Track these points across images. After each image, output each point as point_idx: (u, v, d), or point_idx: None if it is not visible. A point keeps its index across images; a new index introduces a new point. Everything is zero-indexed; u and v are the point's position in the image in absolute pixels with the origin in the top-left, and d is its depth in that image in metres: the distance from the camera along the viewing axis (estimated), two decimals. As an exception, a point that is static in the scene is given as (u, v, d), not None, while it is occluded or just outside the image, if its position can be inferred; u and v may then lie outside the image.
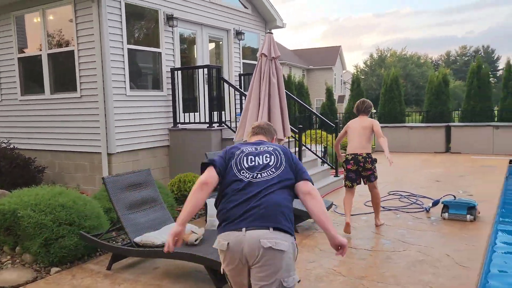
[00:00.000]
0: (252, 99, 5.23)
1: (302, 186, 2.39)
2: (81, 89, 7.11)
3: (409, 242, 4.86)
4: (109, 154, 6.93)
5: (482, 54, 73.74)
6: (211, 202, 5.21)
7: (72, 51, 7.12)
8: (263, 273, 2.17)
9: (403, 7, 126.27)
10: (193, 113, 8.14)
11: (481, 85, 13.59)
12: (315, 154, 8.66)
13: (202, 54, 8.98)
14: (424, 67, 52.95)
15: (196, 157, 7.55)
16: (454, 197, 5.83)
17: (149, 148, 7.58)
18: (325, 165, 8.85)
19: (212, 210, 5.18)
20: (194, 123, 7.82)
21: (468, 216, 5.52)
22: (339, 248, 2.34)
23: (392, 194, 7.41)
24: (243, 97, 8.16)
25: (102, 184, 6.61)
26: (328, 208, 5.70)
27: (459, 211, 5.60)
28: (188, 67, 8.13)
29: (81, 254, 4.62)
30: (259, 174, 2.36)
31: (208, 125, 7.53)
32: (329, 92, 16.50)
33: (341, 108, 35.40)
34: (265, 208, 2.23)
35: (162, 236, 4.13)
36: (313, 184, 2.43)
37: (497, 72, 67.51)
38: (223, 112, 7.79)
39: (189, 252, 3.78)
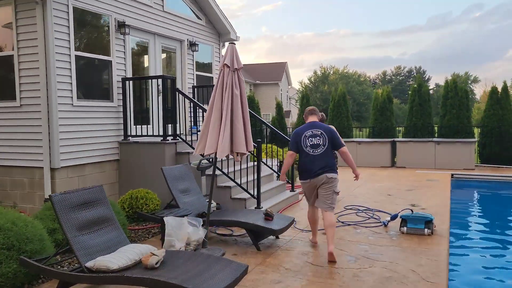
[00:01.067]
0: (214, 111, 5.00)
1: (340, 150, 5.15)
2: (21, 98, 6.49)
3: (373, 258, 4.82)
4: (52, 169, 6.35)
5: (415, 74, 78.90)
6: (169, 221, 4.87)
7: (11, 56, 6.51)
8: (327, 188, 5.05)
9: (342, 28, 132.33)
10: (145, 126, 7.73)
11: (422, 102, 14.31)
12: (271, 168, 8.54)
13: (155, 64, 8.62)
14: (364, 85, 55.46)
15: (148, 172, 7.14)
16: (412, 211, 5.93)
17: (97, 163, 7.06)
18: (281, 179, 8.76)
19: (170, 229, 4.84)
20: (147, 136, 7.42)
21: (426, 230, 5.62)
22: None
23: (349, 208, 7.43)
24: (199, 110, 7.89)
25: (43, 203, 6.03)
26: (290, 225, 5.55)
27: (417, 225, 5.68)
28: (140, 77, 7.74)
29: (20, 282, 4.10)
30: (315, 150, 5.04)
31: (162, 138, 7.17)
32: (279, 107, 16.62)
33: (287, 122, 35.96)
34: (324, 164, 4.99)
35: (118, 259, 3.75)
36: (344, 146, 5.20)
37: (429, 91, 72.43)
38: (177, 125, 7.46)
39: (150, 277, 3.45)
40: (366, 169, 13.15)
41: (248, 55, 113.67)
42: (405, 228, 5.74)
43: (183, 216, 5.28)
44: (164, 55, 9.02)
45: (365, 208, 7.36)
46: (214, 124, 5.05)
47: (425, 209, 7.16)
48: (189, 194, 6.01)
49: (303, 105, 16.27)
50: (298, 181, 10.17)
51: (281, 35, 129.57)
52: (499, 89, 13.50)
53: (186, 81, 9.35)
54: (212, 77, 10.44)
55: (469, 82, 62.22)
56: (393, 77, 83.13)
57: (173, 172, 5.96)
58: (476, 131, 13.97)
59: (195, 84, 9.65)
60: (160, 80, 7.50)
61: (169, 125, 7.31)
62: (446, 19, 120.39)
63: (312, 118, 5.33)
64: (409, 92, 14.80)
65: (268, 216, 5.50)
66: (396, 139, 13.88)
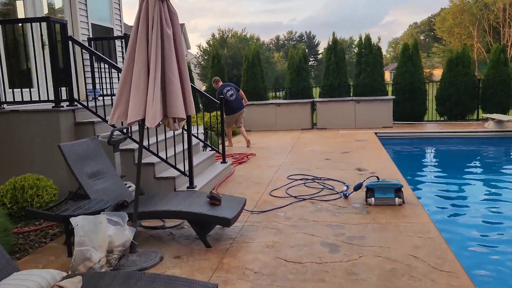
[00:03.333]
0: (137, 61, 3.45)
1: (240, 93, 10.03)
2: None
3: (357, 243, 3.85)
4: None
5: (306, 39, 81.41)
6: (80, 222, 3.32)
7: None
8: (241, 116, 10.06)
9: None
10: (26, 89, 5.72)
11: (338, 61, 13.83)
12: (197, 137, 7.15)
13: (34, 8, 6.47)
14: (261, 48, 55.18)
15: (37, 150, 5.28)
16: (378, 178, 5.10)
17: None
18: (208, 149, 7.43)
19: (82, 235, 3.31)
20: (30, 102, 5.48)
21: (396, 199, 4.84)
22: None
23: (294, 179, 6.44)
24: (106, 67, 6.10)
25: None
26: (243, 208, 4.34)
27: (386, 195, 4.88)
28: (13, 20, 5.64)
29: None
30: (232, 97, 9.71)
31: (53, 104, 5.31)
32: (188, 69, 14.91)
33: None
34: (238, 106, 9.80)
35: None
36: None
37: (318, 56, 75.36)
38: (74, 88, 5.62)
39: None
40: (288, 132, 12.37)
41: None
42: (372, 199, 4.91)
43: (98, 211, 3.74)
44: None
45: (313, 177, 6.43)
46: (139, 79, 3.51)
47: (375, 173, 6.48)
48: (102, 178, 4.41)
49: (214, 65, 14.79)
50: (229, 151, 8.99)
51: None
52: (410, 46, 13.54)
53: (79, 31, 7.32)
54: (112, 29, 8.47)
55: (353, 46, 65.71)
56: (285, 41, 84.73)
57: (76, 150, 4.29)
58: (389, 89, 13.99)
59: (91, 36, 7.65)
60: (44, 25, 5.48)
61: (64, 88, 5.46)
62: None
63: (220, 82, 10.22)
64: (325, 51, 14.24)
65: (215, 200, 4.21)
66: (316, 99, 13.27)
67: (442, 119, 13.67)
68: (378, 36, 19.39)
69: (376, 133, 11.14)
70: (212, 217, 3.89)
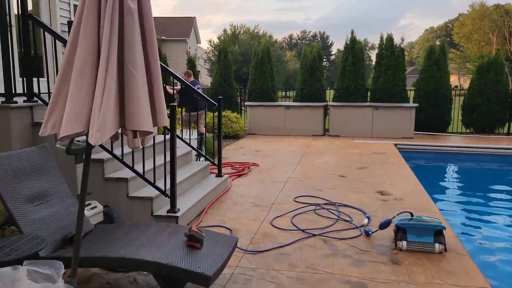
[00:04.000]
0: (80, 50, 2.36)
1: None
2: None
3: (388, 318, 2.71)
4: None
5: (319, 39, 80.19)
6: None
7: None
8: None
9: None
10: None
11: (356, 61, 12.64)
12: (189, 144, 6.03)
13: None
14: (274, 46, 53.91)
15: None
16: (411, 214, 3.93)
17: None
18: (203, 159, 6.32)
19: None
20: (-24, 95, 4.40)
21: (437, 245, 3.68)
22: None
23: (301, 202, 5.29)
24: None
25: None
26: (232, 253, 3.21)
27: (423, 238, 3.71)
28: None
29: None
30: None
31: (3, 98, 4.23)
32: (191, 64, 13.82)
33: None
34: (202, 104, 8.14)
35: None
36: None
37: (331, 56, 74.12)
38: (35, 79, 4.53)
39: None
40: (297, 138, 11.21)
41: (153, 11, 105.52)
42: (404, 242, 3.75)
43: (25, 257, 2.63)
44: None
45: (325, 202, 5.27)
46: (82, 72, 2.39)
47: (402, 200, 5.31)
48: (47, 202, 3.31)
49: (220, 60, 13.66)
50: (226, 159, 7.91)
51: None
52: (437, 49, 12.30)
53: (57, 12, 6.23)
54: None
55: (367, 48, 64.17)
56: (298, 41, 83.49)
57: (11, 164, 3.19)
58: (411, 95, 12.75)
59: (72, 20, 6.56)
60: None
61: (20, 78, 4.39)
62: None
63: (192, 78, 9.48)
64: (342, 50, 13.04)
65: (194, 241, 3.09)
66: (330, 103, 12.08)
67: (467, 130, 12.41)
68: (402, 37, 17.90)
69: (395, 145, 9.93)
70: (186, 272, 2.76)
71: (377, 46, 13.05)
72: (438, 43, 12.70)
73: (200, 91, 9.39)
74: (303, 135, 11.68)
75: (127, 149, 4.49)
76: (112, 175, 4.40)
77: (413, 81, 13.40)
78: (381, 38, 12.71)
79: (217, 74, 13.59)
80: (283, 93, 27.79)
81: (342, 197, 5.50)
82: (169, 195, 4.32)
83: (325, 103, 12.18)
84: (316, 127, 11.78)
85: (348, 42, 12.85)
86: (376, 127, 11.35)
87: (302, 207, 5.06)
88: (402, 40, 12.92)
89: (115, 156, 4.36)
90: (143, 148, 4.35)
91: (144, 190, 4.46)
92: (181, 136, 6.04)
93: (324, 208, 5.01)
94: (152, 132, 2.61)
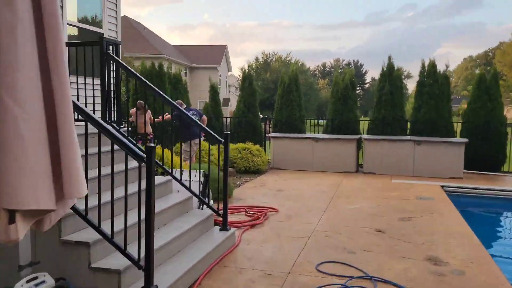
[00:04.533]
0: None
1: None
2: None
3: None
4: None
5: (353, 67, 79.15)
6: None
7: None
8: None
9: (285, 19, 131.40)
10: None
11: (394, 90, 11.36)
12: (188, 188, 4.92)
13: None
14: (306, 74, 53.10)
15: None
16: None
17: None
18: (206, 208, 5.18)
19: None
20: None
21: None
22: None
23: (326, 273, 4.00)
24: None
25: None
26: None
27: None
28: None
29: None
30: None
31: None
32: (213, 90, 12.94)
33: (225, 111, 32.33)
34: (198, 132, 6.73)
35: None
36: None
37: (365, 85, 72.69)
38: None
39: None
40: (326, 175, 9.92)
41: (188, 41, 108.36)
42: None
43: None
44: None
45: (359, 275, 3.96)
46: None
47: (463, 274, 3.94)
48: None
49: (244, 88, 12.68)
50: (242, 200, 6.79)
51: (224, 23, 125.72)
52: (488, 77, 10.86)
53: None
54: (103, 35, 6.57)
55: (403, 77, 62.39)
56: (332, 69, 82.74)
57: None
58: (458, 128, 11.27)
59: (66, 40, 5.72)
60: None
61: None
62: (382, 16, 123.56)
63: (184, 106, 9.10)
64: (378, 77, 11.82)
65: None
66: (364, 136, 10.77)
67: (526, 170, 10.75)
68: (446, 63, 16.24)
69: (442, 187, 8.47)
70: None
71: (415, 74, 11.75)
72: (490, 71, 11.25)
73: (196, 116, 8.59)
74: (333, 172, 10.38)
75: (93, 201, 3.40)
76: (71, 236, 3.32)
77: (453, 111, 11.93)
78: (422, 64, 11.39)
79: (240, 102, 12.60)
80: (315, 122, 26.60)
81: (381, 265, 4.19)
82: (143, 266, 3.18)
83: (359, 136, 10.88)
84: (348, 163, 10.46)
85: (384, 69, 11.61)
86: (418, 165, 9.91)
87: (327, 280, 3.78)
88: (447, 66, 11.54)
89: (76, 211, 3.29)
90: (112, 201, 3.27)
91: (112, 258, 3.34)
92: (179, 177, 4.95)
93: (357, 285, 3.70)
94: (51, 210, 1.49)
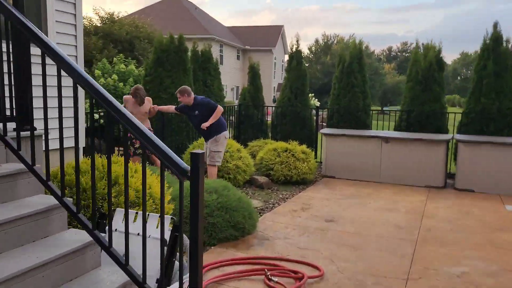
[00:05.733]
0: None
1: None
2: None
3: None
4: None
5: (422, 51, 72.63)
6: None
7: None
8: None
9: (349, 2, 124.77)
10: None
11: (501, 71, 8.03)
12: (126, 269, 2.34)
13: None
14: (371, 58, 48.64)
15: None
16: None
17: None
18: (175, 284, 2.58)
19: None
20: None
21: None
22: None
23: None
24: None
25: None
26: None
27: None
28: None
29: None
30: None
31: None
32: (253, 73, 10.25)
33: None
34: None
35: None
36: None
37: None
38: None
39: None
40: (400, 191, 6.96)
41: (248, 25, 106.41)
42: None
43: None
44: None
45: None
46: None
47: None
48: None
49: (291, 69, 9.81)
50: (267, 243, 4.00)
51: (286, 7, 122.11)
52: None
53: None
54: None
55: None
56: (398, 53, 76.75)
57: None
58: None
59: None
60: None
61: None
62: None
63: (193, 95, 6.30)
64: (479, 52, 8.50)
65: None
66: (458, 137, 7.59)
67: None
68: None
69: None
70: None
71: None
72: None
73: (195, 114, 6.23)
74: (410, 185, 7.38)
75: None
76: None
77: None
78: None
79: (286, 87, 9.82)
80: (379, 109, 23.07)
81: None
82: None
83: (450, 136, 7.72)
84: (433, 174, 7.38)
85: (487, 41, 8.27)
86: (545, 182, 6.63)
87: None
88: None
89: None
90: None
91: None
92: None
93: None
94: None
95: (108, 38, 15.00)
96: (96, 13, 21.80)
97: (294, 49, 9.87)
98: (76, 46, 4.52)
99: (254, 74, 10.34)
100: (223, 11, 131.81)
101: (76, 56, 4.50)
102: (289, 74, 9.82)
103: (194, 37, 26.69)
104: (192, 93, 6.25)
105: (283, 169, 7.32)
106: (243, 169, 7.00)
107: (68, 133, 3.54)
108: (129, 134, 6.59)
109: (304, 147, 7.79)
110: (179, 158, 2.16)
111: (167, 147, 2.18)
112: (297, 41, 9.87)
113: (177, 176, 2.16)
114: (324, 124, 10.52)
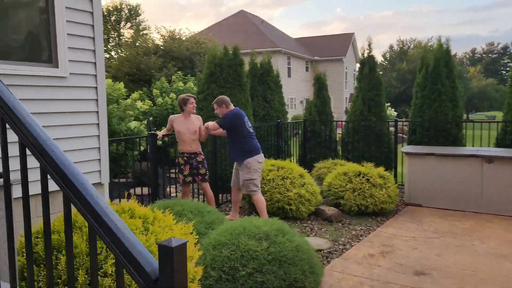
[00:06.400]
0: None
1: None
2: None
3: None
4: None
5: (511, 51, 66.02)
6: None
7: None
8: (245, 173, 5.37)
9: (424, 5, 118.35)
10: None
11: None
12: None
13: None
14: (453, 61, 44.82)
15: None
16: None
17: None
18: None
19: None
20: None
21: None
22: None
23: None
24: None
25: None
26: None
27: None
28: None
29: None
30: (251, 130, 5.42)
31: None
32: (319, 84, 9.08)
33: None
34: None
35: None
36: None
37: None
38: None
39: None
40: (505, 226, 5.37)
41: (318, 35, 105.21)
42: None
43: None
44: None
45: None
46: None
47: None
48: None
49: (363, 77, 8.53)
50: None
51: (357, 15, 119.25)
52: None
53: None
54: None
55: None
56: (483, 55, 70.77)
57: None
58: None
59: None
60: None
61: None
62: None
63: (232, 106, 5.47)
64: None
65: None
66: None
67: None
68: None
69: None
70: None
71: None
72: None
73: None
74: (524, 218, 5.74)
75: None
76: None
77: None
78: None
79: (358, 98, 8.54)
80: (464, 116, 20.49)
81: None
82: None
83: None
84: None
85: None
86: None
87: None
88: None
89: None
90: None
91: None
92: None
93: None
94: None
95: (168, 56, 14.79)
96: (158, 32, 22.03)
97: (366, 55, 8.59)
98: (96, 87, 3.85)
99: (320, 86, 9.21)
100: (293, 24, 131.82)
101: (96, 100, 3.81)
102: (361, 83, 8.54)
103: (261, 50, 26.24)
104: (231, 105, 5.44)
105: (356, 197, 6.07)
106: (307, 198, 5.87)
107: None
108: (177, 160, 5.76)
109: (381, 169, 6.48)
110: (143, 249, 1.15)
111: (118, 220, 1.18)
112: (369, 45, 8.59)
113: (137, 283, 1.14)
114: (405, 136, 9.06)
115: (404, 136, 14.92)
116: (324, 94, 9.21)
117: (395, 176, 7.72)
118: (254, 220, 3.98)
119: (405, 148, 7.04)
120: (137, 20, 36.73)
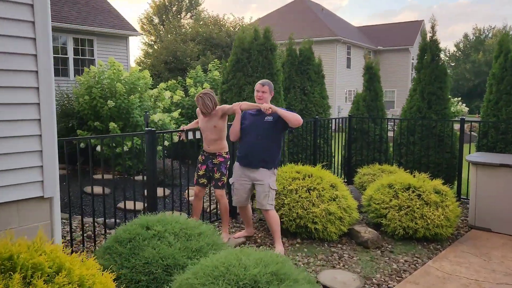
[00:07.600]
0: None
1: None
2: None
3: None
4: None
5: None
6: None
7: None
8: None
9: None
10: None
11: None
12: None
13: None
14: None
15: None
16: None
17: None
18: None
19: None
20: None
21: None
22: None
23: None
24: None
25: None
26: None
27: None
28: None
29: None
30: None
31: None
32: (369, 75, 7.69)
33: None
34: None
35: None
36: None
37: None
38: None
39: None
40: None
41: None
42: None
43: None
44: None
45: None
46: None
47: None
48: None
49: (423, 67, 7.07)
50: None
51: (430, 4, 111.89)
52: None
53: None
54: None
55: None
56: None
57: None
58: None
59: None
60: None
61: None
62: None
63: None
64: None
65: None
66: None
67: None
68: None
69: None
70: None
71: None
72: None
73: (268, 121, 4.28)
74: None
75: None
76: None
77: None
78: None
79: (415, 92, 7.10)
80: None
81: None
82: None
83: None
84: None
85: None
86: None
87: None
88: None
89: None
90: None
91: None
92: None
93: None
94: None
95: (207, 43, 13.90)
96: (202, 20, 21.24)
97: (428, 39, 7.11)
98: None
99: (371, 76, 7.85)
100: (361, 14, 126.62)
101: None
102: (420, 74, 7.09)
103: (318, 39, 24.75)
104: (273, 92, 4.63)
105: (403, 217, 4.80)
106: (338, 216, 4.71)
107: None
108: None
109: (438, 182, 5.11)
110: None
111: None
112: (433, 27, 7.08)
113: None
114: (475, 134, 7.48)
115: (475, 134, 12.87)
116: (376, 86, 7.85)
117: (459, 188, 6.27)
118: (247, 254, 2.95)
119: (472, 156, 5.58)
120: (197, 9, 36.58)
